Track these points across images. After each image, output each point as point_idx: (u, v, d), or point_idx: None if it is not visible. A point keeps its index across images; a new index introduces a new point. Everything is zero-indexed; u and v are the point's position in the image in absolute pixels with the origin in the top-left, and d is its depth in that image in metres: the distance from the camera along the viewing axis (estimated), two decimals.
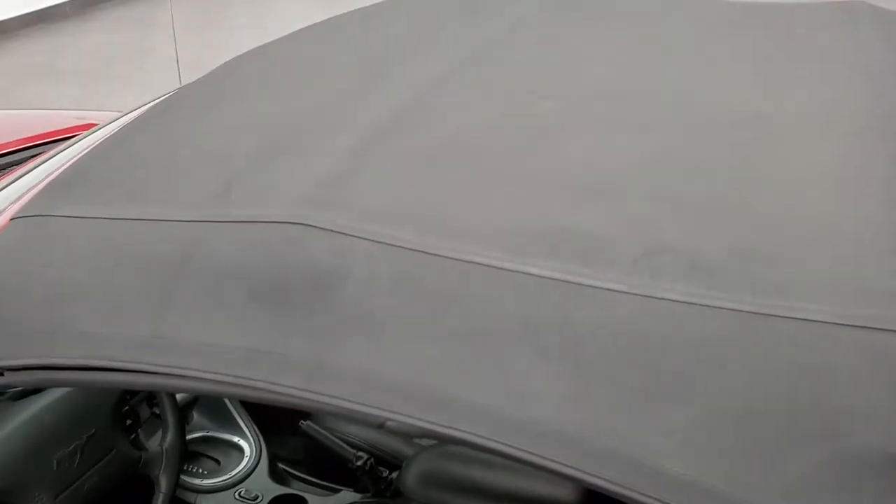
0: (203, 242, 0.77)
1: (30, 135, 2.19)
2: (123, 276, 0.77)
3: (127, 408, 1.38)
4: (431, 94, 1.03)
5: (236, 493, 1.71)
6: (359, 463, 1.67)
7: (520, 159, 0.87)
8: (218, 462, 1.78)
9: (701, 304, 0.66)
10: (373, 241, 0.74)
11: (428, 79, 1.07)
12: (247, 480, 1.74)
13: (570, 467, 0.64)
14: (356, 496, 1.73)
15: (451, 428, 0.66)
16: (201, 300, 0.74)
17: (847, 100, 1.01)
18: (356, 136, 0.92)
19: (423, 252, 0.73)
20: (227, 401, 1.87)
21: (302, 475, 1.82)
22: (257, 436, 1.83)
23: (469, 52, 1.13)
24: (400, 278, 0.72)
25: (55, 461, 1.24)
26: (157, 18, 6.50)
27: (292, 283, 0.73)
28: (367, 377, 0.69)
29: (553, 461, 0.64)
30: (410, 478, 1.52)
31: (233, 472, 1.75)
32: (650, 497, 0.62)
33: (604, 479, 0.63)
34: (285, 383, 0.69)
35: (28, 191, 1.22)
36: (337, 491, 1.75)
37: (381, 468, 1.68)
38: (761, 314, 0.65)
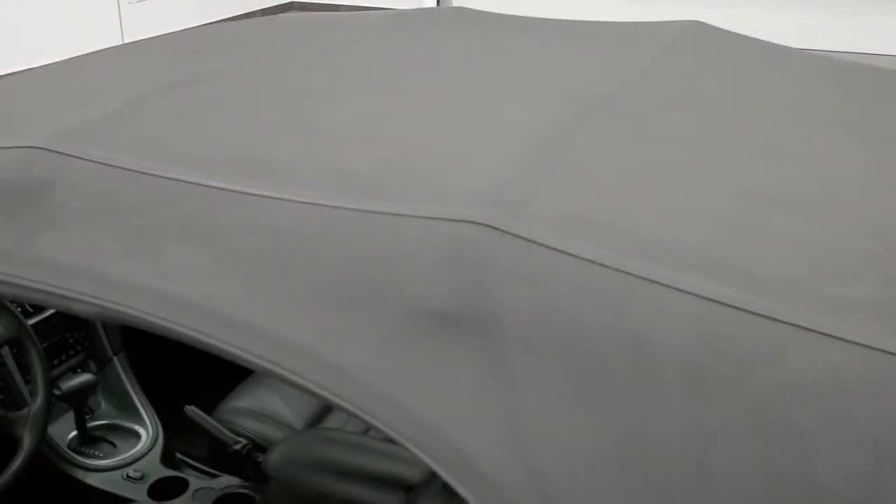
0: None
1: None
2: None
3: None
4: (248, 69, 1.17)
5: (124, 474, 1.82)
6: (237, 447, 1.77)
7: (287, 111, 1.00)
8: (115, 446, 1.90)
9: (328, 206, 0.78)
10: (88, 160, 0.88)
11: (256, 60, 1.21)
12: (137, 462, 1.85)
13: (195, 331, 0.76)
14: (236, 481, 1.83)
15: (114, 303, 0.79)
16: None
17: (591, 80, 1.13)
18: (150, 90, 1.06)
19: (125, 169, 0.86)
20: (132, 393, 2.00)
21: (193, 463, 1.93)
22: (157, 425, 1.95)
23: (315, 50, 1.28)
24: (100, 190, 0.85)
25: None
26: None
27: (12, 194, 0.87)
28: (56, 265, 0.82)
29: (183, 326, 0.76)
30: (273, 459, 1.62)
31: (125, 455, 1.86)
32: (257, 356, 0.74)
33: (221, 340, 0.75)
34: None
35: None
36: (219, 476, 1.85)
37: (257, 453, 1.78)
38: (369, 211, 0.77)
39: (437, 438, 0.69)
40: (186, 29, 1.60)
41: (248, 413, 1.91)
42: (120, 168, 0.86)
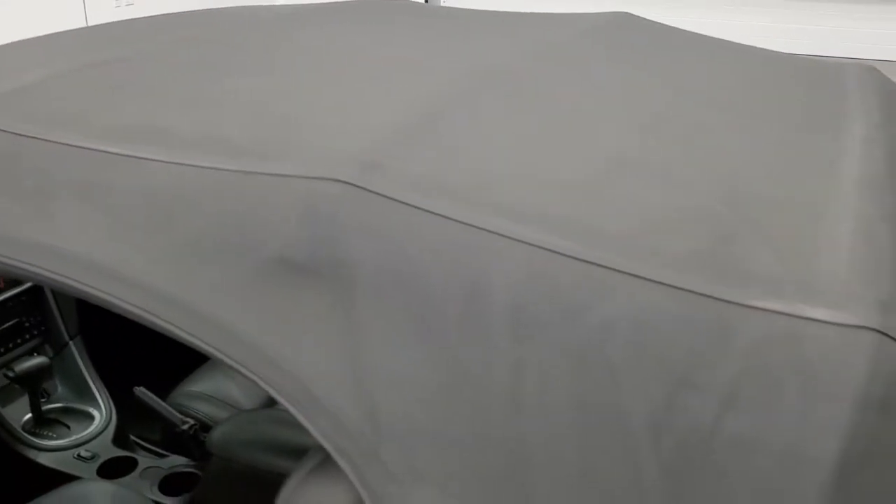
0: None
1: None
2: None
3: None
4: (175, 51, 1.22)
5: (75, 454, 1.87)
6: (184, 427, 1.82)
7: (196, 88, 1.05)
8: (68, 427, 1.95)
9: (203, 167, 0.83)
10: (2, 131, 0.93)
11: (187, 42, 1.27)
12: (89, 443, 1.90)
13: (80, 282, 0.81)
14: (183, 460, 1.87)
15: (11, 258, 0.85)
16: None
17: (495, 59, 1.18)
18: (72, 67, 1.11)
19: (24, 136, 0.91)
20: (87, 377, 2.05)
21: (145, 444, 1.98)
22: (110, 407, 2.00)
23: (247, 34, 1.34)
24: (5, 155, 0.91)
25: None
26: None
27: None
28: None
29: (72, 279, 0.82)
30: (216, 437, 1.67)
31: (78, 436, 1.91)
32: (132, 304, 0.79)
33: (110, 294, 0.80)
34: None
35: None
36: (168, 456, 1.90)
37: (204, 434, 1.83)
38: (239, 171, 0.81)
39: (288, 377, 0.74)
40: (142, 17, 1.66)
41: (199, 396, 1.96)
42: (19, 135, 0.91)
